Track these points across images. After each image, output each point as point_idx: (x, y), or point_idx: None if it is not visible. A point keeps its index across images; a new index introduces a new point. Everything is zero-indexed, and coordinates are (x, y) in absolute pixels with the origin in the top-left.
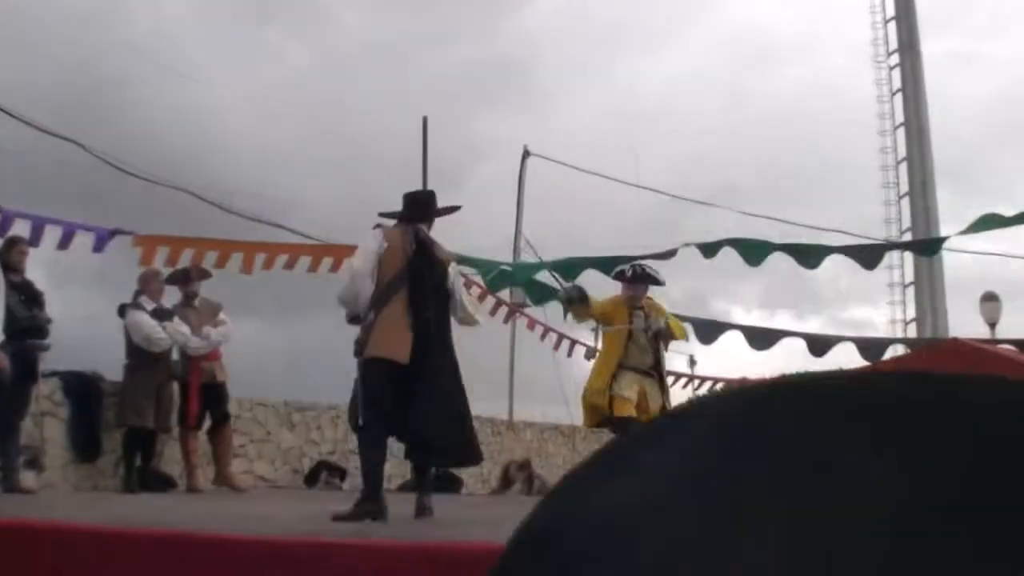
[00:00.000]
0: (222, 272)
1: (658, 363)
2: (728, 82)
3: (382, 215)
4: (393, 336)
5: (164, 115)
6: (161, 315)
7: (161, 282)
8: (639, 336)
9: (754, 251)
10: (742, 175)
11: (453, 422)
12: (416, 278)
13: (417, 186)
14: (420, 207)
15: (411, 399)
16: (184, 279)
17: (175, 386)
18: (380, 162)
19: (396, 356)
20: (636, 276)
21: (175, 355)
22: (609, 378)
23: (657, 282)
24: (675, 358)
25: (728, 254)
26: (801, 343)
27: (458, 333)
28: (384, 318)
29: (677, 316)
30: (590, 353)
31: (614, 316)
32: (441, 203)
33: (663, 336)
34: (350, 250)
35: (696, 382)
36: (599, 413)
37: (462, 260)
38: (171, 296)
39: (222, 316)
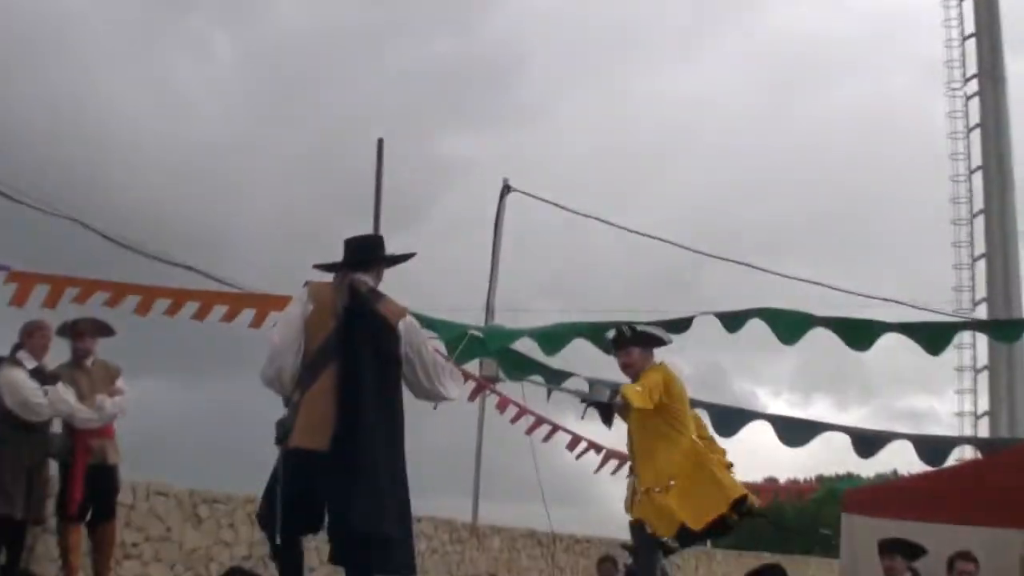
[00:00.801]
0: (115, 317)
1: (634, 455)
2: (762, 104)
3: (317, 267)
4: (318, 420)
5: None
6: (44, 377)
7: (48, 336)
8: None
9: (790, 326)
10: (775, 221)
11: (391, 514)
12: (349, 343)
13: (368, 218)
14: (362, 255)
15: (339, 492)
16: (77, 332)
17: (51, 467)
18: (324, 186)
19: (316, 444)
20: (612, 342)
21: (54, 427)
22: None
23: (652, 341)
24: None
25: (756, 326)
26: (844, 439)
27: (415, 410)
28: (309, 399)
29: (695, 405)
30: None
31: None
32: (394, 247)
33: (620, 412)
34: (276, 301)
35: None
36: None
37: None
38: (57, 353)
39: (120, 383)
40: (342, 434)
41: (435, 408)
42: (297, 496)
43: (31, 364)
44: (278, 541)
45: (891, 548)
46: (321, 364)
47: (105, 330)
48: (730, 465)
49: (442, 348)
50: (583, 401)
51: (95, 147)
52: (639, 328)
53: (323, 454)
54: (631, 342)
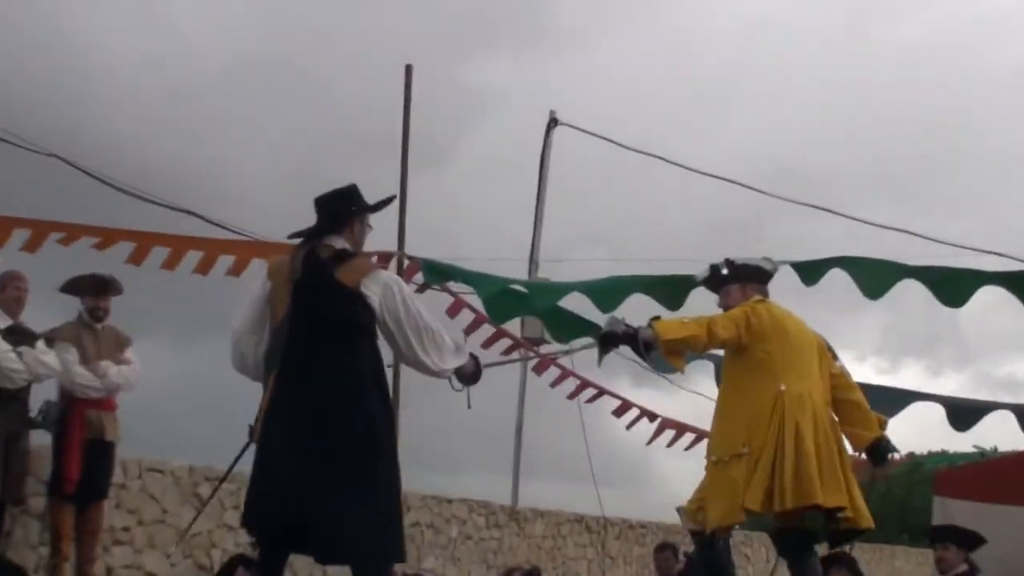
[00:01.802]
0: (101, 265)
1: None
2: (837, 29)
3: (293, 236)
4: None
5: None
6: (18, 337)
7: (23, 288)
8: None
9: (876, 276)
10: (853, 163)
11: (360, 530)
12: (298, 320)
13: (393, 157)
14: (327, 214)
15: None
16: (95, 288)
17: (29, 437)
18: (343, 121)
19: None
20: (704, 284)
21: (47, 398)
22: None
23: (756, 275)
24: None
25: (836, 279)
26: (938, 410)
27: (421, 382)
28: (271, 386)
29: None
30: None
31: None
32: (421, 189)
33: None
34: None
35: None
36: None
37: (440, 272)
38: (45, 313)
39: (129, 354)
40: (296, 421)
41: (467, 406)
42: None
43: (4, 322)
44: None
45: (943, 536)
46: (279, 348)
47: (120, 289)
48: (876, 443)
49: (479, 306)
50: (596, 340)
51: (69, 74)
52: (737, 261)
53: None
54: (729, 279)
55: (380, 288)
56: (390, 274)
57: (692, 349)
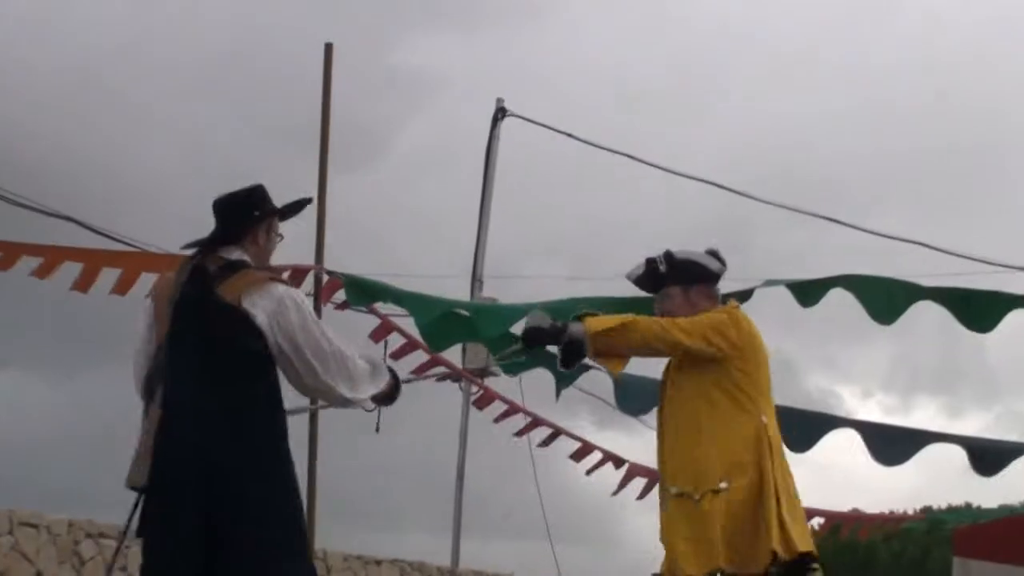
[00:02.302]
0: None
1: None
2: (850, 7)
3: (187, 247)
4: (144, 448)
5: None
6: None
7: None
8: None
9: (887, 298)
10: (861, 163)
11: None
12: (175, 345)
13: (310, 150)
14: (225, 221)
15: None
16: None
17: None
18: (254, 109)
19: (135, 481)
20: (639, 282)
21: None
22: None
23: (703, 276)
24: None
25: (838, 301)
26: (959, 454)
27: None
28: (145, 422)
29: None
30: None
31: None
32: (348, 189)
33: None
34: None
35: None
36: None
37: (366, 291)
38: None
39: None
40: (162, 468)
41: (375, 429)
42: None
43: None
44: None
45: None
46: (157, 377)
47: None
48: None
49: (410, 329)
50: (518, 340)
51: None
52: (678, 256)
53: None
54: (668, 279)
55: (270, 304)
56: (286, 288)
57: (631, 347)
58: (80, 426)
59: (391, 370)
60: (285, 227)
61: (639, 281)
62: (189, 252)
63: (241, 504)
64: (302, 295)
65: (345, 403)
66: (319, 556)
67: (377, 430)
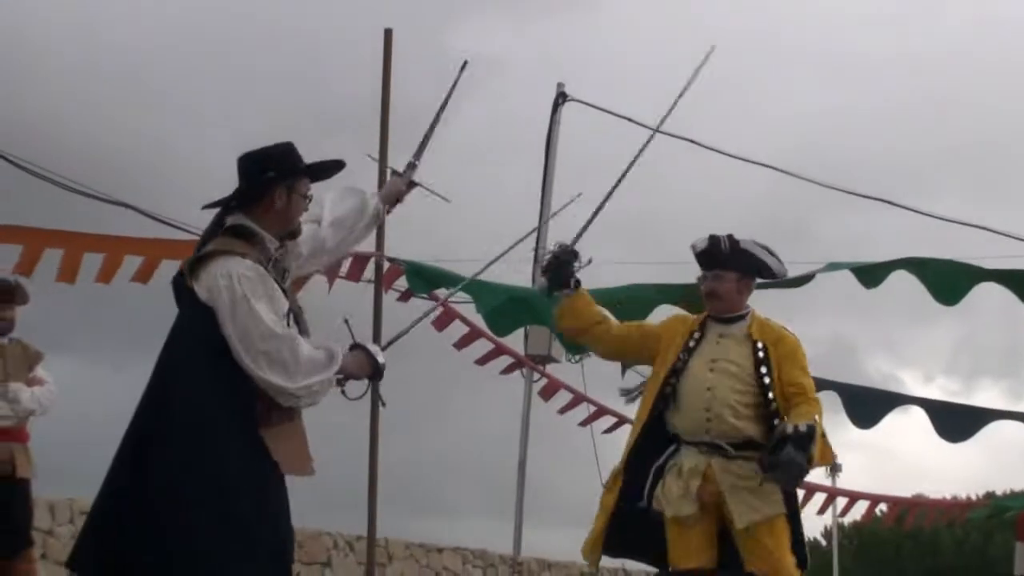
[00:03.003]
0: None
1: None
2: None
3: (208, 207)
4: None
5: None
6: None
7: None
8: (700, 367)
9: (949, 280)
10: (920, 148)
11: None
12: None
13: (370, 136)
14: (240, 181)
15: None
16: None
17: None
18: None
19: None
20: (700, 255)
21: None
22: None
23: (761, 271)
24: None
25: (902, 282)
26: (1022, 435)
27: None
28: None
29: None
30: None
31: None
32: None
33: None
34: None
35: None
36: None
37: (429, 277)
38: None
39: (40, 371)
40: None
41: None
42: None
43: None
44: None
45: None
46: None
47: (25, 297)
48: None
49: (473, 317)
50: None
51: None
52: (742, 243)
53: None
54: (728, 262)
55: (208, 281)
56: (225, 261)
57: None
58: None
59: (361, 347)
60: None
61: (700, 255)
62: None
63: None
64: (244, 269)
65: (287, 395)
66: (380, 544)
67: (383, 404)
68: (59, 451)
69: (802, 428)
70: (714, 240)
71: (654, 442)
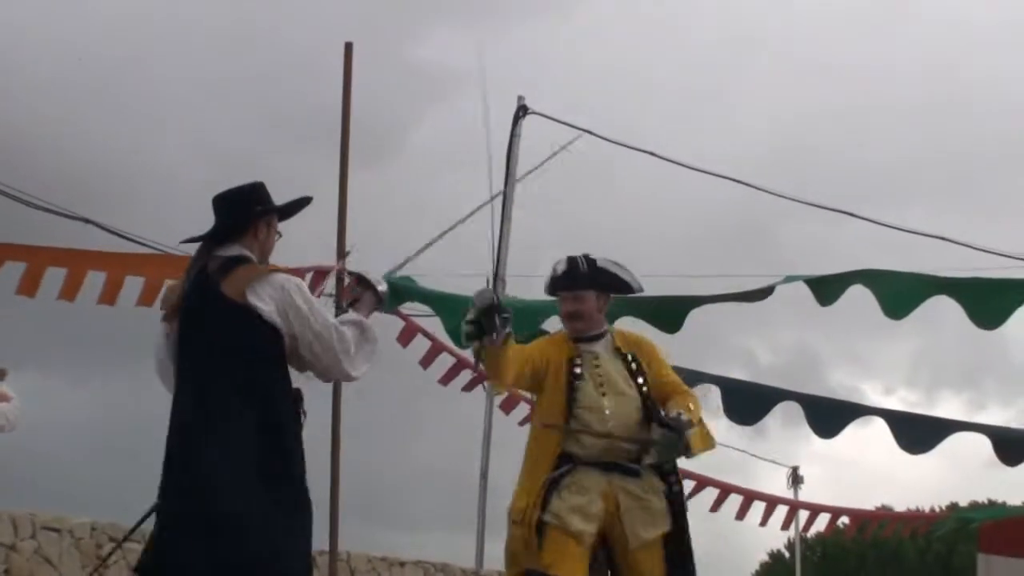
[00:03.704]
0: None
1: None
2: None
3: (187, 242)
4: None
5: None
6: None
7: None
8: (592, 393)
9: (900, 291)
10: (885, 158)
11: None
12: (184, 352)
13: (328, 148)
14: (226, 215)
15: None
16: None
17: None
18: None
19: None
20: (560, 278)
21: None
22: (539, 490)
23: (619, 287)
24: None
25: (864, 293)
26: (984, 446)
27: (393, 419)
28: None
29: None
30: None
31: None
32: (366, 187)
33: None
34: None
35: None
36: (519, 559)
37: (393, 291)
38: None
39: (4, 388)
40: (174, 481)
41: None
42: None
43: None
44: None
45: None
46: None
47: None
48: None
49: (436, 331)
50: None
51: None
52: (599, 263)
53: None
54: (587, 282)
55: (276, 293)
56: (286, 276)
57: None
58: (102, 428)
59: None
60: (305, 225)
61: (561, 277)
62: (189, 249)
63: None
64: (301, 280)
65: (348, 378)
66: (343, 558)
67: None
68: (14, 460)
69: (684, 417)
70: (572, 262)
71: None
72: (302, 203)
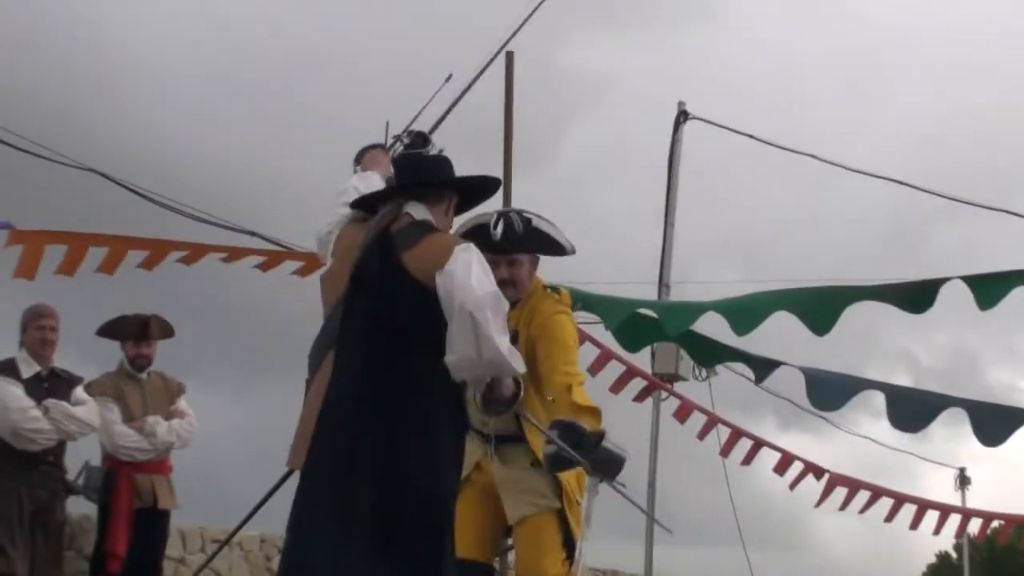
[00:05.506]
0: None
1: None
2: None
3: (356, 205)
4: (303, 429)
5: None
6: (51, 386)
7: (49, 325)
8: None
9: None
10: None
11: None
12: (349, 317)
13: (490, 156)
14: (409, 174)
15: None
16: (136, 332)
17: (66, 506)
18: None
19: (293, 463)
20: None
21: (95, 461)
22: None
23: (554, 248)
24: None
25: (1017, 295)
26: None
27: None
28: (308, 395)
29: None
30: None
31: None
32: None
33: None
34: None
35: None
36: None
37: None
38: (91, 356)
39: (182, 404)
40: (319, 457)
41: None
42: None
43: (31, 369)
44: None
45: None
46: (324, 344)
47: (167, 331)
48: None
49: (603, 338)
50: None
51: (102, 73)
52: (534, 223)
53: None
54: (523, 244)
55: (453, 275)
56: (466, 247)
57: None
58: (269, 440)
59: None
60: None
61: (498, 240)
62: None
63: (411, 500)
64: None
65: (506, 367)
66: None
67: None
68: (191, 479)
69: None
70: (508, 221)
71: None
72: (486, 183)
